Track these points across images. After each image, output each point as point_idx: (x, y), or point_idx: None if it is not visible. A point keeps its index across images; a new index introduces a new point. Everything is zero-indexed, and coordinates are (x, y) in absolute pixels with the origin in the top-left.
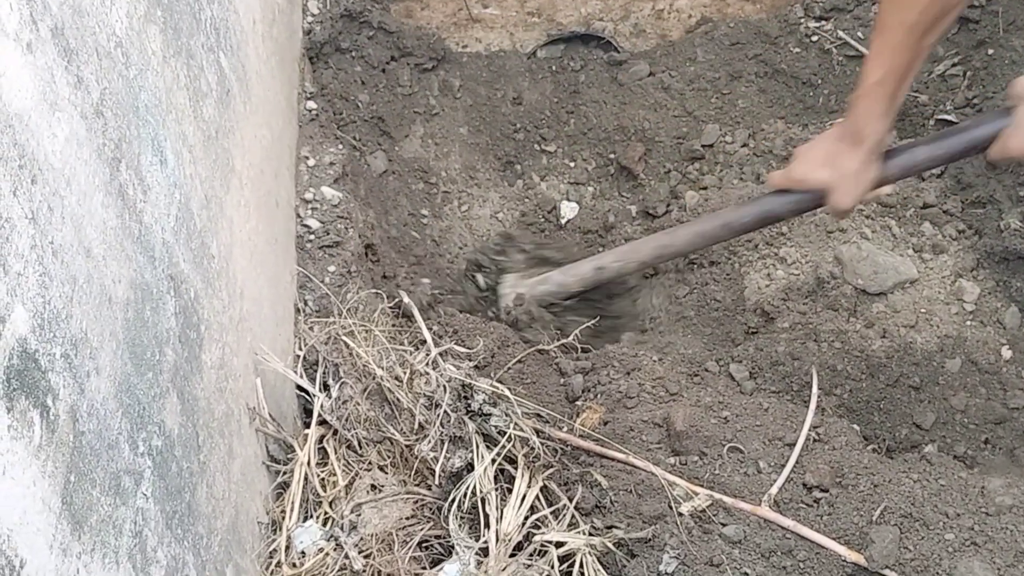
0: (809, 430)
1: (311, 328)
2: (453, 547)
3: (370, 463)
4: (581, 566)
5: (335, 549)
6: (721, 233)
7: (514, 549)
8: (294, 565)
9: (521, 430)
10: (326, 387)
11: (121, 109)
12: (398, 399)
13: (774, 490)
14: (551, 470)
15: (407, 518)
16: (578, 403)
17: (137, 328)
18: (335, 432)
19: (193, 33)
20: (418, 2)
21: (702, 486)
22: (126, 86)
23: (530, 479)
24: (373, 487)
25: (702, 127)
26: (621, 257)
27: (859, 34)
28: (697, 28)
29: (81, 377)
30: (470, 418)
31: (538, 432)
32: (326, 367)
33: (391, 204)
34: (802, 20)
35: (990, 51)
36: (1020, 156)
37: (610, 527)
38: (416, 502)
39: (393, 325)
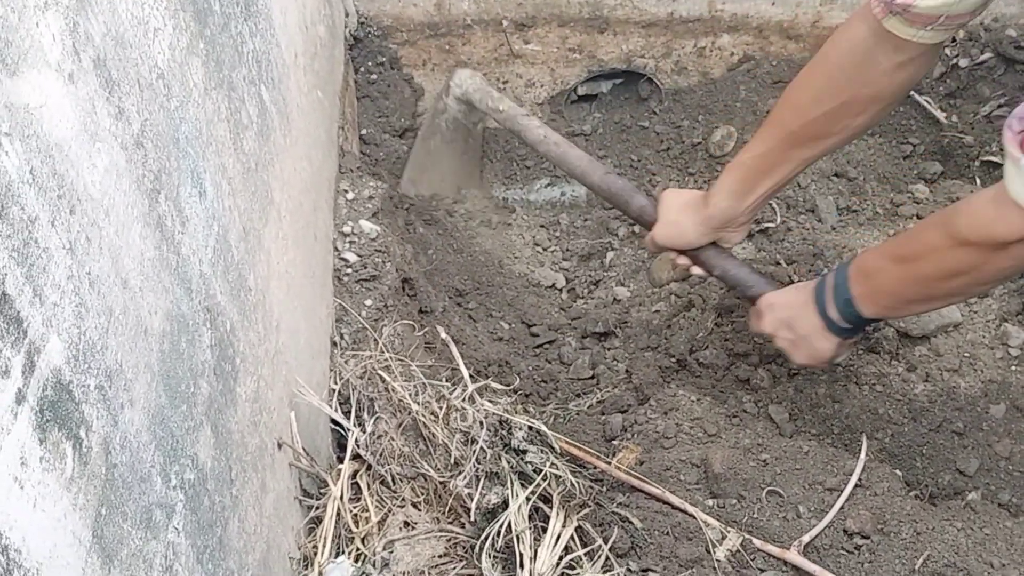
0: (849, 475)
1: (347, 362)
2: None
3: (403, 499)
4: None
5: None
6: (593, 180)
7: None
8: None
9: (557, 468)
10: (360, 421)
11: (161, 140)
12: (433, 434)
13: (807, 537)
14: (586, 510)
15: (440, 556)
16: (615, 442)
17: (172, 360)
18: (369, 467)
19: (235, 66)
20: (460, 37)
21: (740, 530)
22: (167, 118)
23: (565, 518)
24: (406, 524)
25: None
26: (548, 134)
27: None
28: (739, 66)
29: (115, 409)
30: (506, 454)
31: (573, 472)
32: (361, 401)
33: (430, 238)
34: None
35: None
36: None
37: (645, 570)
38: (449, 540)
39: (430, 361)
